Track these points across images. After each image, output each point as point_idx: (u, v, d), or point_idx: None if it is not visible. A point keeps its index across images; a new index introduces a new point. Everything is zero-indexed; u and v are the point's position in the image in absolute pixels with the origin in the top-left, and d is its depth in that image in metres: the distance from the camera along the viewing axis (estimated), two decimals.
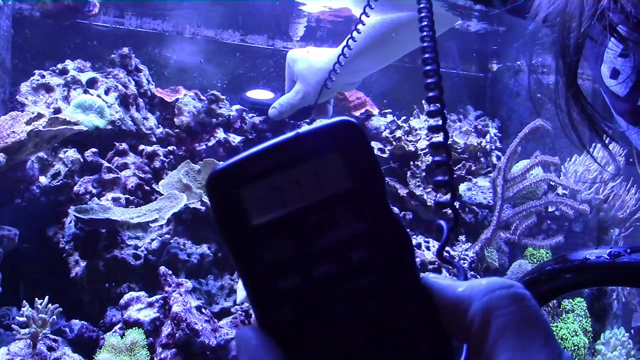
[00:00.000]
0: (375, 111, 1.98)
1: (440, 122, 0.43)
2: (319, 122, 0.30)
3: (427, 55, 0.45)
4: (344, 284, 0.29)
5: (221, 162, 0.30)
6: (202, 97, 1.70)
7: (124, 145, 1.55)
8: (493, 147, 2.00)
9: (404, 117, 1.94)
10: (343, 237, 0.29)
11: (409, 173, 1.78)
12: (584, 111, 0.53)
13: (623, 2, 0.42)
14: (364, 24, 1.17)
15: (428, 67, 0.44)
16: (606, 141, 0.57)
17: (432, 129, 0.43)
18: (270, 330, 0.29)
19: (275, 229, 0.29)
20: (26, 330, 1.07)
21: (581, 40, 0.47)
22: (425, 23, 0.45)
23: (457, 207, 0.42)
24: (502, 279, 0.29)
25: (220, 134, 1.67)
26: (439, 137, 0.43)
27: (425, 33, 0.45)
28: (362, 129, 0.30)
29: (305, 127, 0.30)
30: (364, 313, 0.29)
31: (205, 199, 1.40)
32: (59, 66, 1.60)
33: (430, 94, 0.44)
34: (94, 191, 1.44)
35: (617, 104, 0.55)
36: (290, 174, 0.29)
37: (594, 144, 1.91)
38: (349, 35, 1.26)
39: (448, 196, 0.42)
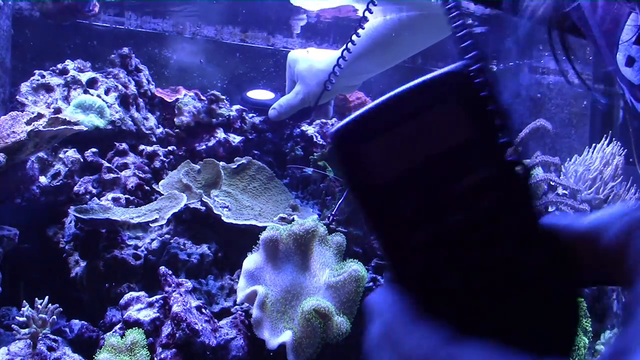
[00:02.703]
0: None
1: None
2: (437, 71, 0.30)
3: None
4: (476, 231, 0.29)
5: (345, 118, 0.30)
6: (202, 97, 1.70)
7: (124, 145, 1.55)
8: None
9: None
10: (470, 185, 0.29)
11: None
12: (569, 58, 0.53)
13: None
14: (363, 28, 1.17)
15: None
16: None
17: None
18: (406, 283, 0.29)
19: (405, 182, 0.29)
20: (26, 330, 1.07)
21: None
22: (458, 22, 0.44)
23: None
24: (621, 206, 0.29)
25: (220, 134, 1.67)
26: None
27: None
28: (486, 73, 0.30)
29: (420, 78, 0.30)
30: (496, 260, 0.29)
31: (206, 199, 1.40)
32: (59, 66, 1.60)
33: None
34: (94, 191, 1.44)
35: (634, 91, 0.55)
36: (414, 125, 0.29)
37: (593, 144, 1.90)
38: (348, 39, 1.26)
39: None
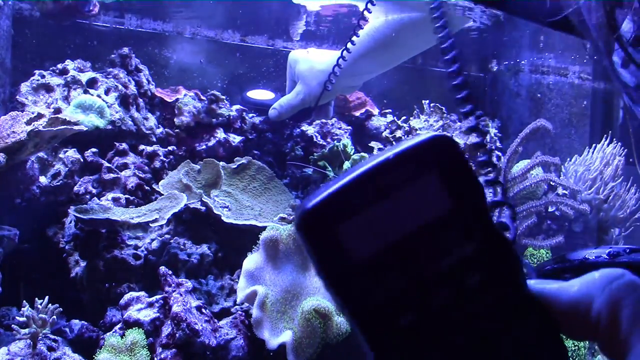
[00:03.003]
0: (376, 111, 1.98)
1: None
2: (409, 141, 0.28)
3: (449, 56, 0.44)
4: (462, 310, 0.28)
5: (313, 196, 0.27)
6: (202, 97, 1.70)
7: (124, 145, 1.55)
8: (493, 147, 2.00)
9: (404, 117, 1.94)
10: (454, 261, 0.28)
11: None
12: (626, 51, 0.53)
13: None
14: (362, 28, 1.17)
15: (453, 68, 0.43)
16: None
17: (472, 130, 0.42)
18: None
19: (382, 263, 0.27)
20: (26, 330, 1.07)
21: None
22: (441, 24, 0.45)
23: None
24: (610, 270, 0.29)
25: (220, 134, 1.67)
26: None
27: (442, 34, 0.44)
28: (456, 143, 0.28)
29: (394, 149, 0.28)
30: (485, 337, 0.28)
31: (206, 199, 1.40)
32: (59, 66, 1.60)
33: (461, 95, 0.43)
34: (94, 191, 1.44)
35: (629, 92, 0.55)
36: (389, 202, 0.27)
37: (593, 144, 1.90)
38: (348, 39, 1.26)
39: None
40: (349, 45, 1.26)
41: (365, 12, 1.12)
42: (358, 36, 1.22)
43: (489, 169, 0.39)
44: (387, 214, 0.27)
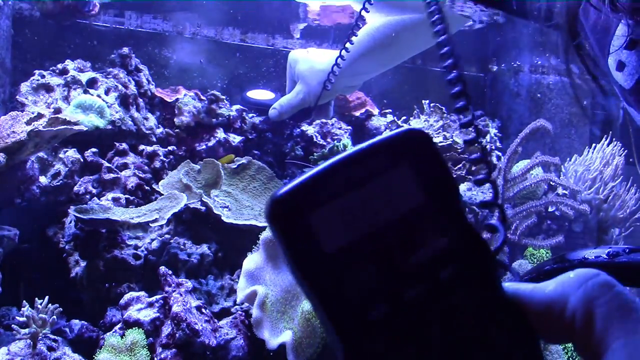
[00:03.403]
0: (375, 111, 1.99)
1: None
2: (384, 134, 0.28)
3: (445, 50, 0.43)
4: (435, 305, 0.27)
5: (282, 186, 0.27)
6: (202, 97, 1.70)
7: (124, 145, 1.56)
8: (493, 147, 2.00)
9: (404, 117, 1.94)
10: (427, 255, 0.27)
11: None
12: (584, 62, 0.53)
13: None
14: (360, 27, 1.17)
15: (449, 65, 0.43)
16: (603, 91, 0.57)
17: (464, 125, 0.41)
18: None
19: (354, 256, 0.27)
20: (26, 330, 1.07)
21: None
22: (438, 20, 0.44)
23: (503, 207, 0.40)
24: (585, 270, 0.29)
25: (220, 134, 1.67)
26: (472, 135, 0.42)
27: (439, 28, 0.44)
28: (430, 137, 0.28)
29: (368, 141, 0.28)
30: (458, 333, 0.27)
31: (206, 199, 1.40)
32: (59, 66, 1.60)
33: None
34: (94, 191, 1.45)
35: (625, 95, 0.55)
36: (361, 193, 0.27)
37: (593, 144, 1.90)
38: (346, 39, 1.26)
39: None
40: (348, 45, 1.26)
41: (363, 12, 1.12)
42: (356, 36, 1.22)
43: (482, 165, 0.39)
44: (359, 204, 0.27)
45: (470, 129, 0.40)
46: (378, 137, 0.28)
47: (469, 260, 0.28)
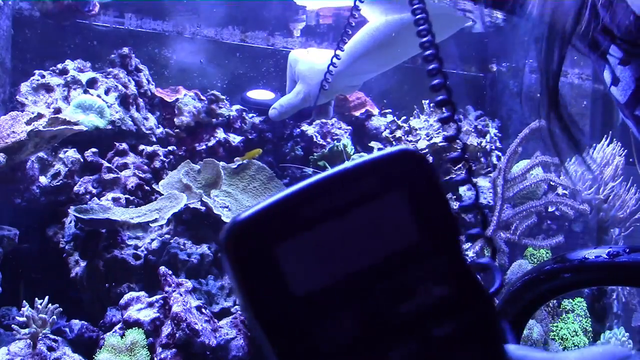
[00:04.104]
0: (375, 111, 1.98)
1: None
2: (374, 153, 0.23)
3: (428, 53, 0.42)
4: None
5: (244, 210, 0.22)
6: (202, 97, 1.70)
7: (124, 145, 1.55)
8: (493, 147, 2.00)
9: (404, 117, 1.94)
10: (418, 307, 0.22)
11: None
12: (566, 129, 0.52)
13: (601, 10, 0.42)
14: (353, 25, 1.17)
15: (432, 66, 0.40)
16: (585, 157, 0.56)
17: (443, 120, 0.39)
18: None
19: (328, 302, 0.21)
20: (26, 330, 1.07)
21: (564, 50, 0.46)
22: (422, 19, 0.44)
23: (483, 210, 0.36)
24: (614, 348, 0.25)
25: (220, 134, 1.67)
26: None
27: (421, 27, 0.43)
28: (426, 159, 0.23)
29: (353, 161, 0.23)
30: None
31: (206, 199, 1.40)
32: (59, 66, 1.60)
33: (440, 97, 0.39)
34: (94, 191, 1.44)
35: (621, 108, 0.56)
36: (341, 223, 0.22)
37: (593, 144, 1.90)
38: (340, 39, 1.26)
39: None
40: (353, 44, 1.26)
41: (353, 16, 1.12)
42: (349, 33, 1.21)
43: (461, 165, 0.37)
44: (338, 238, 0.22)
45: (450, 124, 0.37)
46: (365, 157, 0.23)
47: (467, 316, 0.23)
